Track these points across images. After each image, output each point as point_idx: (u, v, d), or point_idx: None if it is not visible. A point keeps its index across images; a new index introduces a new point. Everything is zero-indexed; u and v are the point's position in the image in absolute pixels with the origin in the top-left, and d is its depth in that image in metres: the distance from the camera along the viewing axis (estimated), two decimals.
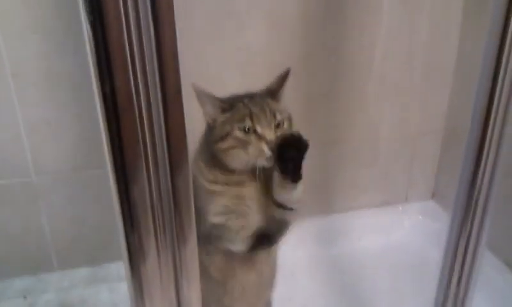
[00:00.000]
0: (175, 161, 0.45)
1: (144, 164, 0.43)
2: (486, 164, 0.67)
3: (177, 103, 0.44)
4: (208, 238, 0.95)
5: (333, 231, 1.66)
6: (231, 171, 0.91)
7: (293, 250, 1.48)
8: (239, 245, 0.95)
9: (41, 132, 1.33)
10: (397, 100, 1.60)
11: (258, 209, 0.94)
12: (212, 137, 0.90)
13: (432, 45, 1.54)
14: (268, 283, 1.11)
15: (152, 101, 0.42)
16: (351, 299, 1.46)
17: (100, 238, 1.47)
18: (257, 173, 0.89)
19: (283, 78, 0.95)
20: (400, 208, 1.76)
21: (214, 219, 0.93)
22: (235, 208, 0.93)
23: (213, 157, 0.91)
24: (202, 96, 0.88)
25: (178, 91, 0.43)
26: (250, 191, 0.93)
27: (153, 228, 0.46)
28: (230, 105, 0.90)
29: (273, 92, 0.95)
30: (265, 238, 0.96)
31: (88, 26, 0.38)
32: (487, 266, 1.38)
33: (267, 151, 0.86)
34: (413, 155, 1.71)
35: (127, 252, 0.45)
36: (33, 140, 1.33)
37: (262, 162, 0.87)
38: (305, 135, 0.86)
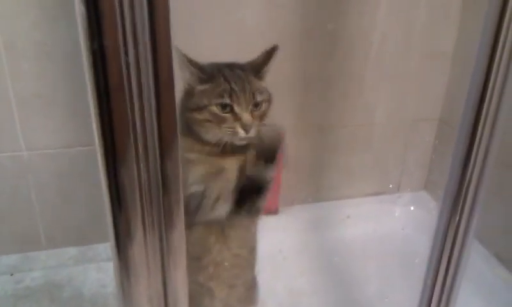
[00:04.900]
0: (165, 144, 0.44)
1: (133, 145, 0.42)
2: (477, 155, 0.67)
3: (169, 88, 0.43)
4: (186, 208, 0.91)
5: (324, 218, 1.67)
6: (205, 142, 0.89)
7: (283, 236, 1.49)
8: (217, 211, 0.92)
9: (32, 106, 1.31)
10: (393, 86, 1.59)
11: (237, 174, 0.92)
12: (188, 104, 0.88)
13: (431, 30, 1.53)
14: (246, 263, 1.05)
15: (143, 82, 0.41)
16: (340, 285, 1.47)
17: (89, 217, 1.46)
18: (228, 148, 0.88)
19: (269, 54, 0.92)
20: (392, 198, 1.76)
21: (192, 188, 0.90)
22: (213, 176, 0.90)
23: (188, 124, 0.89)
24: (183, 61, 0.86)
25: (170, 75, 0.43)
26: (228, 158, 0.91)
27: (141, 211, 0.45)
28: (209, 75, 0.88)
29: (257, 68, 0.92)
30: (244, 201, 0.93)
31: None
32: (478, 259, 1.40)
33: (240, 132, 0.85)
34: (407, 144, 1.71)
35: (113, 233, 0.45)
36: (24, 114, 1.31)
37: (235, 141, 0.87)
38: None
